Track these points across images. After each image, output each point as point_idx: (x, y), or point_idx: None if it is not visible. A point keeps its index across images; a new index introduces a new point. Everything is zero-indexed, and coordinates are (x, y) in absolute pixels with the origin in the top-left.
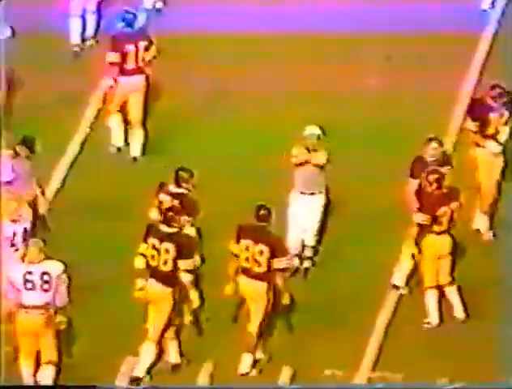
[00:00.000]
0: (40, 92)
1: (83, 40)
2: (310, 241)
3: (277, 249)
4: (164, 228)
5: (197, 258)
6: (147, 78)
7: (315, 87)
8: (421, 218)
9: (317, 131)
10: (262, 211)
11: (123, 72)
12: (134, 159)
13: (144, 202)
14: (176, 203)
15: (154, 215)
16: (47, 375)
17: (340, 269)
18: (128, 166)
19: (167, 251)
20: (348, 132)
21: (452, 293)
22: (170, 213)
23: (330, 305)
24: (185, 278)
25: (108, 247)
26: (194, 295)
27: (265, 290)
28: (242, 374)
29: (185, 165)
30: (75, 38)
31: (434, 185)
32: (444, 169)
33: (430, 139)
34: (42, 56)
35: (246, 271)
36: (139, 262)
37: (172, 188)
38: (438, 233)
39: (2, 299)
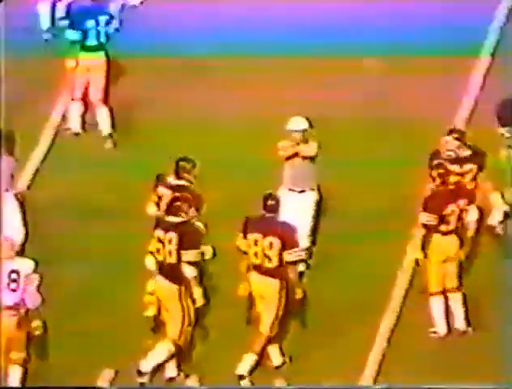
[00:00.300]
0: (13, 79)
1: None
2: (303, 242)
3: (287, 240)
4: (170, 219)
5: (206, 249)
6: (108, 54)
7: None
8: (427, 218)
9: (302, 125)
10: (269, 201)
11: (84, 49)
12: (110, 135)
13: (122, 196)
14: (177, 196)
15: (152, 210)
16: (14, 376)
17: (337, 272)
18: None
19: (170, 241)
20: (343, 125)
21: (455, 301)
22: (177, 203)
23: (326, 312)
24: (189, 272)
25: (82, 247)
26: (197, 292)
27: (277, 289)
28: (239, 376)
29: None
30: (45, 23)
31: (438, 181)
32: (465, 167)
33: (450, 131)
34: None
35: (257, 268)
36: (150, 263)
37: (172, 180)
38: (445, 233)
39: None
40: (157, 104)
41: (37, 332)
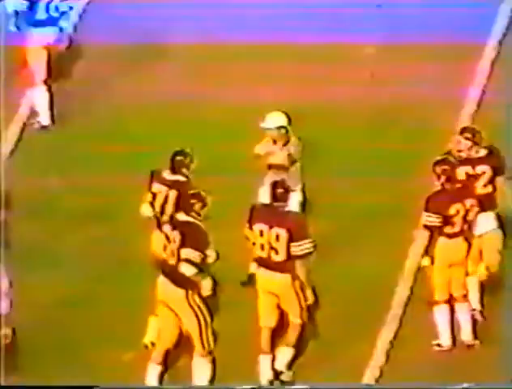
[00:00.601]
0: None
1: None
2: None
3: (295, 231)
4: (179, 216)
5: (209, 253)
6: (62, 30)
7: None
8: (429, 219)
9: (279, 123)
10: (278, 189)
11: (33, 24)
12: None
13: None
14: (173, 193)
15: (147, 211)
16: None
17: (330, 279)
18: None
19: (174, 240)
20: (344, 117)
21: (463, 311)
22: (193, 200)
23: (321, 321)
24: (187, 271)
25: (55, 252)
26: (206, 284)
27: (289, 283)
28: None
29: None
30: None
31: (442, 179)
32: (477, 169)
33: (462, 130)
34: None
35: (264, 262)
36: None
37: (167, 175)
38: (450, 236)
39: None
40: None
41: (7, 341)
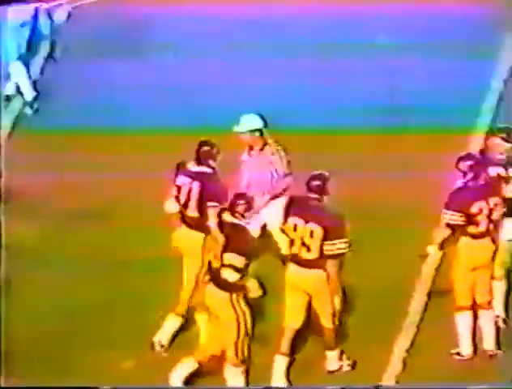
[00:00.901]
0: None
1: None
2: None
3: (332, 230)
4: (227, 218)
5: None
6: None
7: None
8: (452, 217)
9: (253, 126)
10: (315, 182)
11: None
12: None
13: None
14: (196, 185)
15: (172, 207)
16: None
17: (346, 284)
18: None
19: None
20: (359, 114)
21: (487, 319)
22: (242, 201)
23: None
24: (230, 276)
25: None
26: (252, 285)
27: (324, 279)
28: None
29: None
30: None
31: (469, 176)
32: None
33: (497, 131)
34: None
35: (294, 258)
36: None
37: (192, 167)
38: (475, 237)
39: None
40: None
41: None
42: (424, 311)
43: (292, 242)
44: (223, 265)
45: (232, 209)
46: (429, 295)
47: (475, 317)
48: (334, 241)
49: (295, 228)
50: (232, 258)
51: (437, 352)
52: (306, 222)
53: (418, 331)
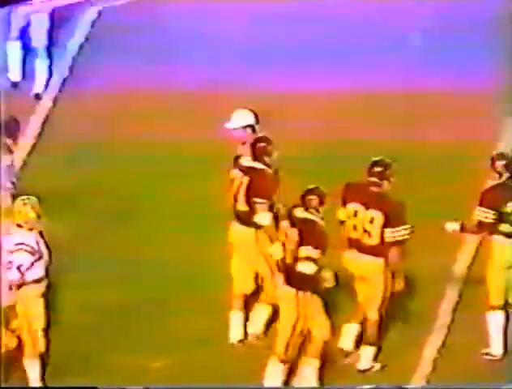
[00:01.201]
0: None
1: None
2: None
3: (393, 216)
4: (299, 213)
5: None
6: None
7: None
8: (483, 214)
9: (245, 121)
10: (377, 168)
11: None
12: (36, 96)
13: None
14: (245, 180)
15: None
16: None
17: None
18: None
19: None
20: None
21: None
22: (311, 196)
23: None
24: (307, 269)
25: None
26: (328, 276)
27: (382, 268)
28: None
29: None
30: None
31: (505, 176)
32: None
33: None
34: None
35: (355, 243)
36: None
37: (245, 161)
38: (509, 236)
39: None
40: None
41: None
42: (455, 311)
43: (354, 227)
44: (298, 259)
45: (305, 204)
46: (460, 295)
47: (507, 317)
48: (396, 228)
49: (355, 214)
50: (308, 251)
51: (468, 352)
52: (367, 208)
53: (449, 331)
